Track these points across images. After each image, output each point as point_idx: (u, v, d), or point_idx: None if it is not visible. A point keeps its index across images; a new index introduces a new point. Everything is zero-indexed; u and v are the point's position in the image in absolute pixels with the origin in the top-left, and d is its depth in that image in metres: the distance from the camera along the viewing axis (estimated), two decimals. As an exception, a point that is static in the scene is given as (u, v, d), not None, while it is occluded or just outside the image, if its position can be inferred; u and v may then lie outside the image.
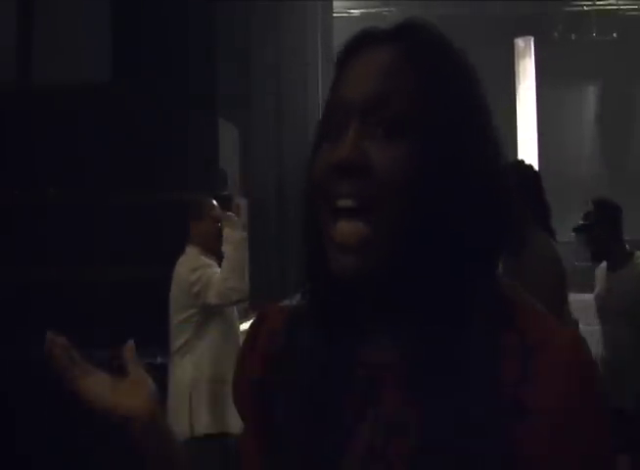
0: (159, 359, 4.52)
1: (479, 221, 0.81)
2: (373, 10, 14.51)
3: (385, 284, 0.83)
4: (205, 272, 3.82)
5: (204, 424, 3.74)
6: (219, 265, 3.90)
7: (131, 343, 0.98)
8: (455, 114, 0.83)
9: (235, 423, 3.32)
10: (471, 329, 0.80)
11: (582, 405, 0.77)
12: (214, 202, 4.07)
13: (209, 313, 3.83)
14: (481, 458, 0.76)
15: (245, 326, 4.04)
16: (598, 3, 14.56)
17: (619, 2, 14.59)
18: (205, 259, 3.90)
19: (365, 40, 0.87)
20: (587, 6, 14.59)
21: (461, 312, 0.81)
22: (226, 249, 3.85)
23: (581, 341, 0.82)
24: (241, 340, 3.19)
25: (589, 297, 4.15)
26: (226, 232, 3.89)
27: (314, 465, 0.85)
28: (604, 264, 3.94)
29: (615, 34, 14.60)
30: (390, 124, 0.81)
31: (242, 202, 4.69)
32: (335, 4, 12.08)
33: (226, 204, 4.10)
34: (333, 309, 0.88)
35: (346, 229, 0.80)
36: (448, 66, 0.85)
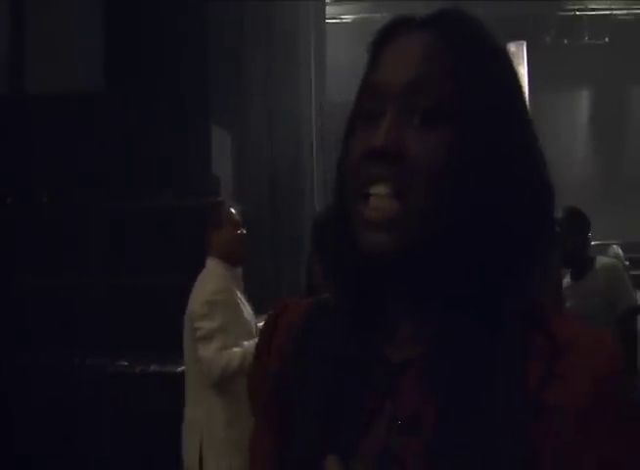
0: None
1: (515, 216, 0.81)
2: (366, 15, 14.50)
3: (411, 269, 0.82)
4: (207, 325, 3.52)
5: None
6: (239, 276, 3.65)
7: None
8: (492, 103, 0.82)
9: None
10: (498, 328, 0.79)
11: (606, 406, 0.77)
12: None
13: None
14: (501, 459, 0.75)
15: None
16: (590, 7, 14.58)
17: (612, 7, 14.62)
18: (220, 289, 3.59)
19: (400, 27, 0.87)
20: (579, 10, 14.61)
21: (488, 310, 0.80)
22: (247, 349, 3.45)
23: (609, 342, 0.82)
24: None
25: None
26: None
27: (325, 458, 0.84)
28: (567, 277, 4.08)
29: (607, 39, 14.61)
30: (427, 112, 0.81)
31: (235, 207, 4.66)
32: (327, 9, 12.07)
33: (219, 210, 4.07)
34: (359, 298, 0.88)
35: (378, 207, 0.80)
36: (484, 54, 0.85)
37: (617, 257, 7.62)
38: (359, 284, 0.87)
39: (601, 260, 4.08)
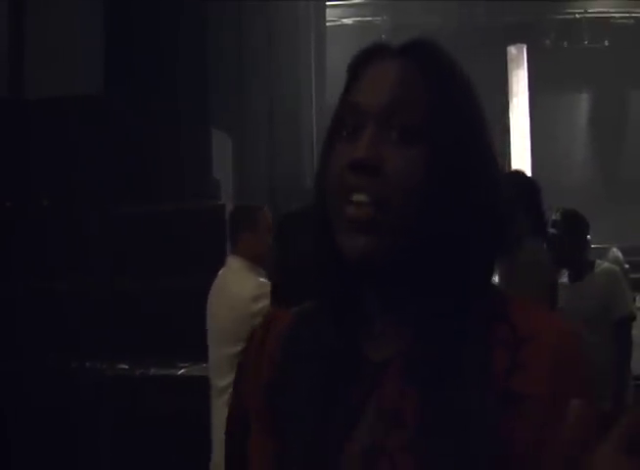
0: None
1: (479, 223, 0.89)
2: (366, 19, 14.51)
3: (387, 272, 0.90)
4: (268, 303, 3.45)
5: None
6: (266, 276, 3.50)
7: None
8: (461, 124, 0.91)
9: None
10: (465, 323, 0.87)
11: (569, 390, 0.82)
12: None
13: None
14: (477, 446, 0.82)
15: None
16: (590, 11, 14.60)
17: (611, 10, 14.64)
18: (264, 282, 3.43)
19: (378, 53, 0.96)
20: (579, 14, 14.64)
21: (457, 308, 0.88)
22: None
23: (569, 329, 0.89)
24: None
25: None
26: None
27: (318, 458, 0.90)
28: (564, 279, 4.09)
29: (606, 42, 14.63)
30: (403, 130, 0.89)
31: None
32: (328, 12, 12.09)
33: (220, 213, 4.05)
34: (341, 299, 0.95)
35: (357, 212, 0.87)
36: (455, 80, 0.94)
37: (616, 259, 7.63)
38: (339, 286, 0.95)
39: (600, 265, 4.07)
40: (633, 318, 4.00)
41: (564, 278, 4.14)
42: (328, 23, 12.05)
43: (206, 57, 5.65)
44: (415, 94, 0.90)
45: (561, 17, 14.71)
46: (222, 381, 3.49)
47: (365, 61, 0.95)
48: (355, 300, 0.95)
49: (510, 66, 15.23)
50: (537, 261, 3.20)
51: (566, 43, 14.62)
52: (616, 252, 8.05)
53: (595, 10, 14.60)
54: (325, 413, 0.91)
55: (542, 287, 3.13)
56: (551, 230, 4.02)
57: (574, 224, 4.03)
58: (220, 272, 3.73)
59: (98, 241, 5.01)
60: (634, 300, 5.84)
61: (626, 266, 7.86)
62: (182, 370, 4.57)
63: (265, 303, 3.33)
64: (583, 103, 15.67)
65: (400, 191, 0.87)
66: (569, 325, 0.90)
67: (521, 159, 14.85)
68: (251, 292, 3.45)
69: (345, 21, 14.45)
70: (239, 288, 3.53)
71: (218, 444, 3.59)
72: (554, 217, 4.09)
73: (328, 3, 12.76)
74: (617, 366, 3.82)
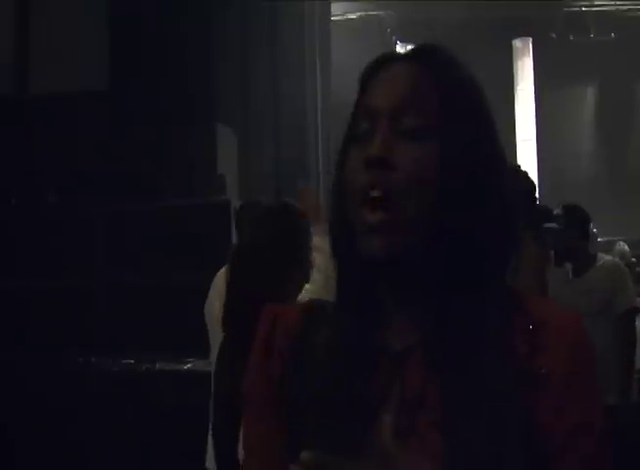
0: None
1: (490, 219, 0.94)
2: (371, 13, 14.48)
3: (406, 267, 0.94)
4: None
5: None
6: None
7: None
8: (470, 124, 0.96)
9: None
10: (485, 312, 0.92)
11: (582, 370, 0.92)
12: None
13: None
14: (506, 425, 0.87)
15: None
16: (596, 4, 14.54)
17: (617, 3, 14.58)
18: None
19: (387, 60, 1.00)
20: (585, 7, 14.58)
21: (476, 297, 0.92)
22: (317, 260, 3.19)
23: (578, 320, 0.97)
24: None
25: None
26: (316, 241, 3.26)
27: (342, 447, 0.91)
28: (565, 272, 4.09)
29: (613, 35, 14.58)
30: (414, 129, 0.93)
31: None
32: (332, 7, 12.06)
33: (225, 209, 4.05)
34: (360, 292, 0.99)
35: (374, 212, 0.92)
36: (462, 82, 0.99)
37: (623, 253, 7.61)
38: (358, 282, 0.99)
39: (602, 257, 4.09)
40: (637, 311, 4.01)
41: (568, 273, 4.14)
42: (333, 18, 12.02)
43: (211, 53, 5.64)
44: (425, 95, 0.95)
45: (567, 9, 14.64)
46: None
47: (373, 71, 1.00)
48: (373, 293, 0.98)
49: (515, 59, 15.19)
50: (530, 252, 3.24)
51: (572, 36, 14.56)
52: (622, 245, 8.03)
53: (601, 2, 14.54)
54: (347, 400, 0.93)
55: (532, 274, 3.17)
56: (553, 225, 4.05)
57: (576, 219, 4.05)
58: (222, 270, 3.76)
59: (103, 237, 5.01)
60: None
61: (633, 260, 7.83)
62: (188, 365, 4.57)
63: None
64: (589, 96, 15.62)
65: (413, 187, 0.91)
66: (576, 317, 0.97)
67: (526, 152, 14.82)
68: None
69: (350, 15, 14.41)
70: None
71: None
72: (556, 213, 4.12)
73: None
74: (622, 359, 3.82)
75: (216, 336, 3.66)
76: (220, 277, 3.75)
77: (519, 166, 3.79)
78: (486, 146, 0.97)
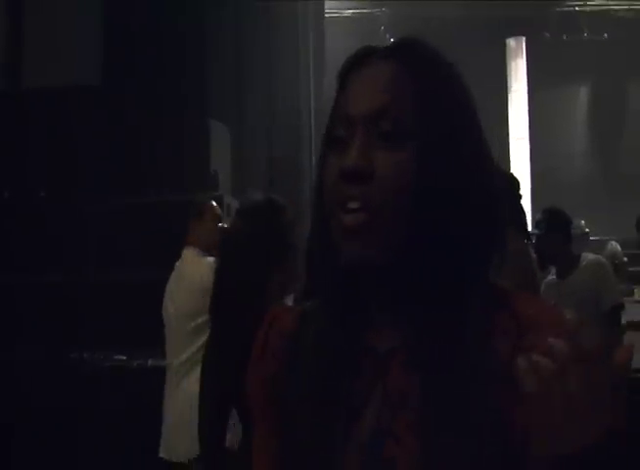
0: (149, 362, 4.49)
1: (470, 220, 0.91)
2: (365, 10, 14.48)
3: (387, 271, 0.93)
4: None
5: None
6: None
7: None
8: (450, 125, 0.92)
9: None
10: (467, 314, 0.90)
11: (572, 373, 0.83)
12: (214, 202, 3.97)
13: None
14: (481, 429, 0.86)
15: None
16: (589, 4, 14.57)
17: (610, 3, 14.61)
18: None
19: (365, 57, 0.96)
20: (578, 6, 14.61)
21: (457, 299, 0.91)
22: None
23: (568, 315, 0.89)
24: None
25: None
26: None
27: (325, 443, 0.93)
28: (550, 276, 4.14)
29: (605, 35, 14.61)
30: (392, 134, 0.90)
31: (233, 202, 4.65)
32: (326, 4, 12.06)
33: (218, 203, 4.07)
34: (342, 298, 0.98)
35: (353, 218, 0.90)
36: (443, 80, 0.95)
37: (614, 253, 7.63)
38: (338, 286, 0.97)
39: (586, 257, 4.11)
40: (623, 307, 4.04)
41: (551, 276, 4.18)
42: (327, 15, 12.02)
43: (205, 49, 5.64)
44: (404, 95, 0.91)
45: (560, 9, 14.67)
46: (179, 358, 3.70)
47: (352, 68, 0.96)
48: (355, 297, 0.97)
49: (509, 58, 15.21)
50: (517, 251, 3.26)
51: (565, 36, 14.60)
52: (614, 245, 8.06)
53: (594, 2, 14.58)
54: (330, 402, 0.94)
55: (518, 277, 3.20)
56: (535, 230, 4.11)
57: (556, 222, 4.09)
58: (176, 264, 3.89)
59: (96, 232, 5.01)
60: (633, 291, 5.86)
61: (625, 259, 7.86)
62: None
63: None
64: (582, 96, 15.66)
65: (392, 195, 0.89)
66: (566, 315, 0.92)
67: (520, 151, 14.85)
68: (206, 267, 3.59)
69: (345, 12, 14.41)
70: (192, 269, 3.72)
71: (171, 426, 3.69)
72: (537, 218, 4.18)
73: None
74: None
75: (171, 321, 3.78)
76: (176, 269, 3.84)
77: (501, 168, 3.82)
78: (468, 146, 0.94)
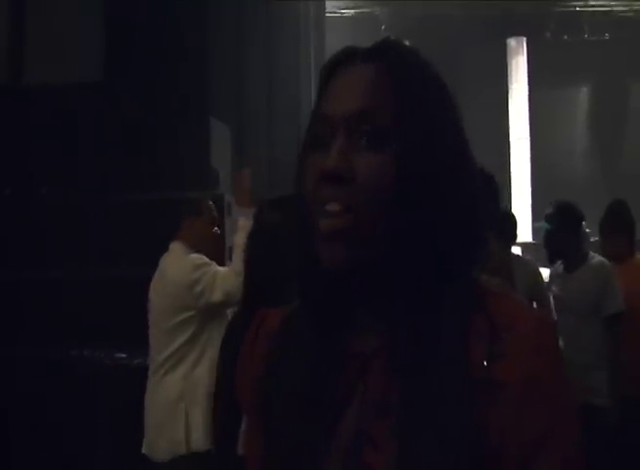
0: (136, 361, 4.48)
1: (450, 222, 0.91)
2: (366, 10, 14.49)
3: (367, 273, 0.92)
4: (210, 270, 3.63)
5: (203, 440, 3.48)
6: None
7: None
8: (430, 126, 0.92)
9: None
10: (443, 316, 0.90)
11: (545, 376, 0.88)
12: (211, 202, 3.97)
13: (209, 315, 3.62)
14: (456, 433, 0.85)
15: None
16: (590, 4, 14.58)
17: (611, 3, 14.62)
18: (203, 257, 3.71)
19: (347, 59, 0.96)
20: (579, 7, 14.62)
21: (436, 301, 0.90)
22: (240, 239, 3.38)
23: (544, 317, 0.93)
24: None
25: None
26: (242, 221, 3.52)
27: (306, 448, 0.93)
28: (559, 266, 4.07)
29: (607, 35, 14.63)
30: (372, 136, 0.90)
31: (233, 200, 4.64)
32: (327, 4, 12.07)
33: (218, 202, 4.07)
34: (323, 299, 0.97)
35: (331, 220, 0.89)
36: (424, 82, 0.95)
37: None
38: (319, 289, 0.97)
39: (594, 258, 3.98)
40: (622, 315, 3.85)
41: (560, 264, 4.11)
42: (328, 15, 12.03)
43: (206, 47, 5.64)
44: (384, 97, 0.91)
45: (561, 9, 14.69)
46: (161, 355, 3.67)
47: (333, 69, 0.96)
48: (335, 300, 0.97)
49: (510, 57, 15.22)
50: (493, 253, 3.25)
51: (566, 36, 14.62)
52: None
53: (595, 2, 14.59)
54: (312, 403, 0.94)
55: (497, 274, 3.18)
56: (544, 224, 4.04)
57: (567, 217, 3.99)
58: (162, 257, 3.87)
59: (96, 229, 5.01)
60: None
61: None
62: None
63: (205, 270, 3.60)
64: (583, 95, 15.67)
65: (372, 197, 0.88)
66: (544, 314, 0.96)
67: (520, 151, 14.86)
68: (190, 263, 3.65)
69: (345, 12, 14.42)
70: (177, 265, 3.71)
71: (152, 426, 3.68)
72: (547, 211, 4.08)
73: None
74: (609, 363, 3.79)
75: (155, 316, 3.76)
76: (161, 263, 3.83)
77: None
78: (448, 147, 0.93)
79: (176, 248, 3.81)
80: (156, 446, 3.69)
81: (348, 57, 0.96)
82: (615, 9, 14.63)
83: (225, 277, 3.57)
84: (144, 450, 3.74)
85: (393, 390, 0.89)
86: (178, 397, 3.62)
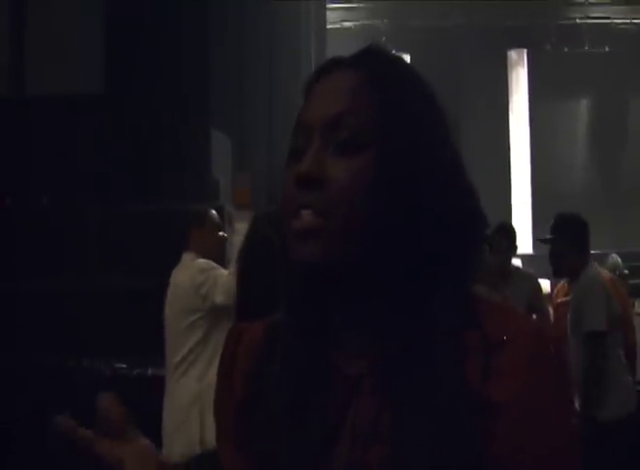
0: (150, 371, 4.49)
1: (433, 228, 0.88)
2: (367, 22, 14.53)
3: (343, 281, 0.89)
4: (213, 272, 3.77)
5: None
6: None
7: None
8: (409, 132, 0.90)
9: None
10: (433, 334, 0.86)
11: (543, 393, 0.85)
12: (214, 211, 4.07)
13: (217, 317, 3.71)
14: (455, 457, 0.82)
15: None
16: (590, 16, 14.62)
17: (612, 16, 14.66)
18: (210, 262, 3.85)
19: (330, 67, 0.95)
20: (580, 19, 14.66)
21: (424, 316, 0.87)
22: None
23: (542, 332, 0.89)
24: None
25: None
26: (242, 227, 3.61)
27: None
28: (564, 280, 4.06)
29: (607, 47, 14.65)
30: (349, 141, 0.89)
31: (233, 211, 4.66)
32: (329, 15, 12.10)
33: (218, 213, 4.10)
34: (303, 312, 0.93)
35: (301, 222, 0.88)
36: (404, 86, 0.93)
37: (615, 265, 7.62)
38: (304, 302, 0.93)
39: (589, 270, 3.88)
40: (602, 335, 3.75)
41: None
42: (329, 26, 12.06)
43: (208, 58, 5.66)
44: (363, 102, 0.90)
45: (561, 22, 14.72)
46: (175, 357, 3.82)
47: (317, 77, 0.96)
48: (321, 314, 0.93)
49: (510, 70, 15.25)
50: None
51: (566, 48, 14.64)
52: (615, 257, 8.05)
53: (596, 15, 14.63)
54: (300, 430, 0.90)
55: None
56: (548, 236, 3.99)
57: (565, 229, 3.91)
58: (174, 269, 3.98)
59: (96, 239, 5.02)
60: (634, 304, 5.66)
61: (626, 272, 7.85)
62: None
63: (209, 273, 3.75)
64: (583, 108, 15.68)
65: (345, 202, 0.87)
66: (541, 328, 0.90)
67: (520, 162, 14.87)
68: (197, 267, 3.81)
69: (346, 23, 14.45)
70: (185, 271, 3.86)
71: (168, 427, 3.81)
72: (551, 224, 4.00)
73: (329, 6, 12.77)
74: (584, 379, 3.69)
75: (169, 322, 3.87)
76: (174, 273, 3.91)
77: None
78: (430, 153, 0.90)
79: (187, 258, 3.93)
80: (172, 447, 3.82)
81: (332, 66, 0.95)
82: (615, 21, 14.66)
83: (226, 279, 3.65)
84: (164, 451, 3.90)
85: (385, 414, 0.86)
86: (193, 398, 3.73)
